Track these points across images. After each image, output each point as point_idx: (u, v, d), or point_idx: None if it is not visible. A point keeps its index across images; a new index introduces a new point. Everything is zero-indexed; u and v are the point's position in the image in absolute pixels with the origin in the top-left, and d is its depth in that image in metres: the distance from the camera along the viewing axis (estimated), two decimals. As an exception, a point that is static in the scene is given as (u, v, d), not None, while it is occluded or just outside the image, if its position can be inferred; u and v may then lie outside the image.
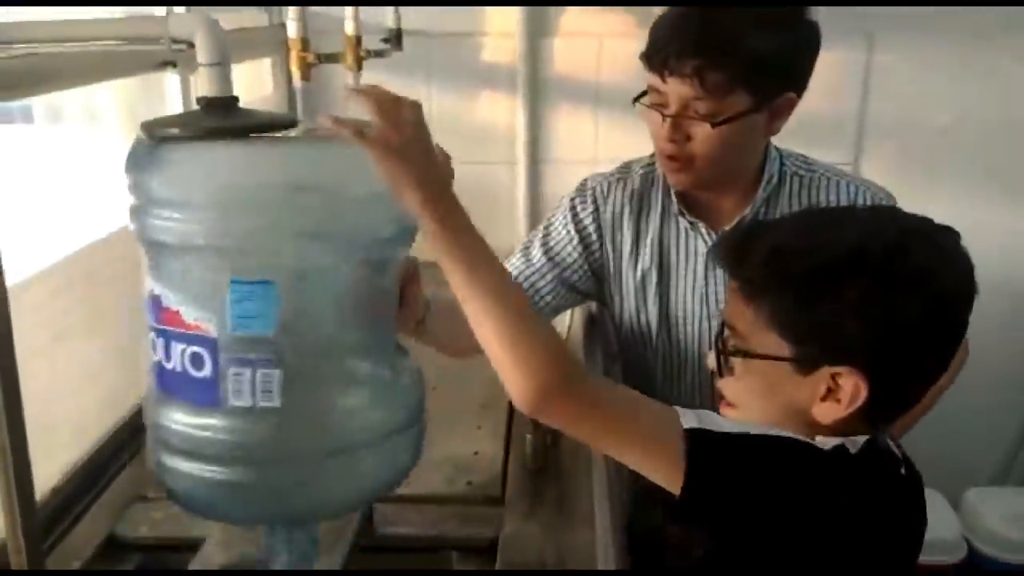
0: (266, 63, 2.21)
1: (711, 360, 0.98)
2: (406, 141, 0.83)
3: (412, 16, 2.14)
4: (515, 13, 2.37)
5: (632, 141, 2.50)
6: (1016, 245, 2.60)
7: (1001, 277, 2.60)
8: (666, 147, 1.27)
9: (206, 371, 0.96)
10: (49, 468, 1.34)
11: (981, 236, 2.37)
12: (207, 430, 0.98)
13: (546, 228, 1.49)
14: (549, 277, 1.44)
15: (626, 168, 1.48)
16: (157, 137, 0.89)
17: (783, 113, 1.26)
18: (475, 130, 2.46)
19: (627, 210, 1.42)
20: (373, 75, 2.10)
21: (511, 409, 1.66)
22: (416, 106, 0.86)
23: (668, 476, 0.84)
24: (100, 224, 1.56)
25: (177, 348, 0.98)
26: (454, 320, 0.94)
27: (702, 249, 1.39)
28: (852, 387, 0.87)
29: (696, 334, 1.42)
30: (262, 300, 0.93)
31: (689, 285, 1.40)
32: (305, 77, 1.41)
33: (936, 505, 2.60)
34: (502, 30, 2.41)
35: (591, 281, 1.46)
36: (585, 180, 1.48)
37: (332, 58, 1.62)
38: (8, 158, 1.64)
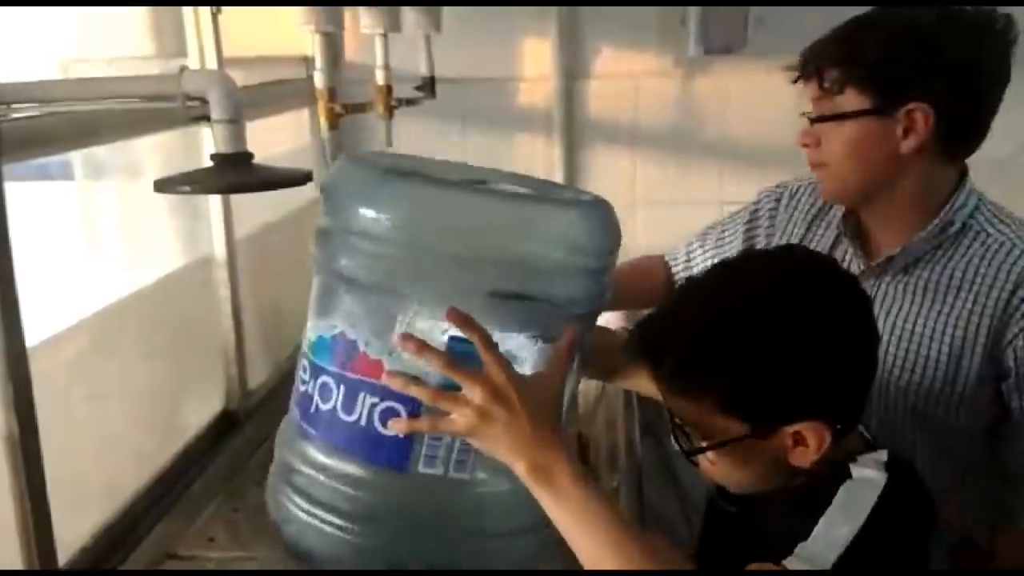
0: (304, 114, 2.23)
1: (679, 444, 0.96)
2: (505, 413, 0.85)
3: (446, 63, 2.15)
4: (549, 56, 2.37)
5: (670, 182, 2.50)
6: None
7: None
8: (806, 152, 1.25)
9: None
10: (79, 527, 1.33)
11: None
12: (363, 488, 0.94)
13: (730, 215, 1.54)
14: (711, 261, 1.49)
15: (796, 185, 1.46)
16: (396, 171, 0.89)
17: (915, 127, 1.14)
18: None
19: (801, 217, 1.38)
20: (409, 122, 2.12)
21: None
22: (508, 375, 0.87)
23: None
24: (135, 279, 1.56)
25: (366, 401, 0.92)
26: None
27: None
28: (814, 436, 0.88)
29: None
30: (475, 361, 0.86)
31: None
32: (333, 127, 1.41)
33: None
34: (537, 74, 2.41)
35: None
36: (789, 180, 1.47)
37: (360, 108, 1.62)
38: (46, 213, 1.67)
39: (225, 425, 1.77)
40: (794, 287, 0.90)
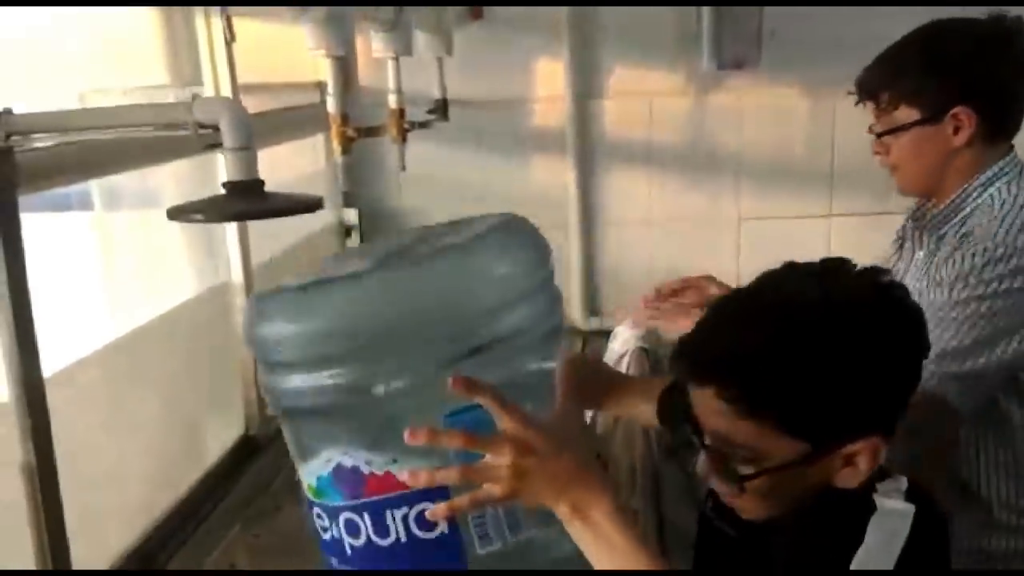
0: (319, 139, 2.25)
1: (707, 474, 0.91)
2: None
3: (459, 86, 2.16)
4: (561, 77, 2.38)
5: (687, 200, 2.49)
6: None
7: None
8: (878, 160, 1.45)
9: (442, 527, 0.89)
10: (99, 556, 1.33)
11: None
12: None
13: None
14: None
15: None
16: (289, 290, 0.88)
17: (962, 125, 1.35)
18: (527, 195, 2.44)
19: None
20: (423, 146, 2.13)
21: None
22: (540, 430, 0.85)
23: None
24: (154, 307, 1.57)
25: (396, 516, 0.89)
26: None
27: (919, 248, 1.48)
28: (869, 454, 0.87)
29: None
30: (483, 424, 0.83)
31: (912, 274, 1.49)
32: (347, 151, 1.41)
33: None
34: (549, 94, 2.41)
35: None
36: None
37: (373, 132, 1.63)
38: (66, 243, 1.69)
39: (245, 450, 1.78)
40: (848, 299, 0.88)
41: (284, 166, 2.06)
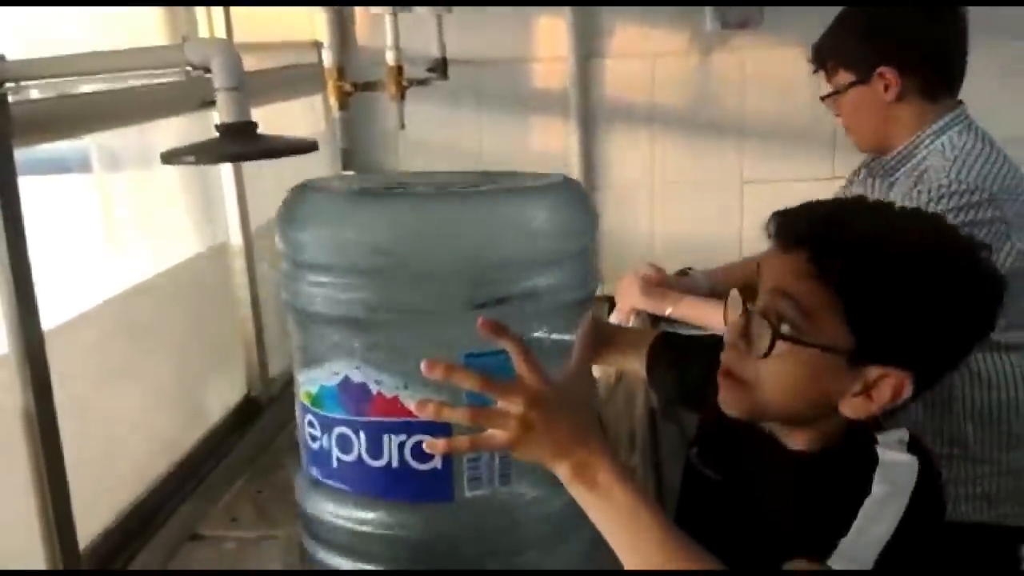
0: (318, 103, 2.23)
1: (734, 334, 0.91)
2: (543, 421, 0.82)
3: (459, 44, 2.14)
4: (564, 36, 2.35)
5: (690, 161, 2.47)
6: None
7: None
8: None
9: (436, 462, 0.89)
10: (103, 508, 1.34)
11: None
12: (411, 528, 0.90)
13: None
14: None
15: None
16: (351, 191, 0.87)
17: (891, 84, 1.52)
18: (528, 157, 2.43)
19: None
20: (422, 105, 2.11)
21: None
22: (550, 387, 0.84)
23: None
24: (152, 267, 1.57)
25: (393, 441, 0.88)
26: None
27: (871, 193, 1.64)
28: (893, 388, 0.86)
29: None
30: (498, 371, 0.82)
31: None
32: (343, 106, 1.41)
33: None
34: (551, 54, 2.39)
35: None
36: None
37: (370, 87, 1.61)
38: (65, 204, 1.68)
39: (247, 411, 1.78)
40: (955, 245, 0.91)
41: (282, 130, 2.05)
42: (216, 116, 0.86)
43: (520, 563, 0.97)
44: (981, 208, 1.40)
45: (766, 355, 0.88)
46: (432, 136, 2.25)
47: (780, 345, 0.87)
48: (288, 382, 1.91)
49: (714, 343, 1.00)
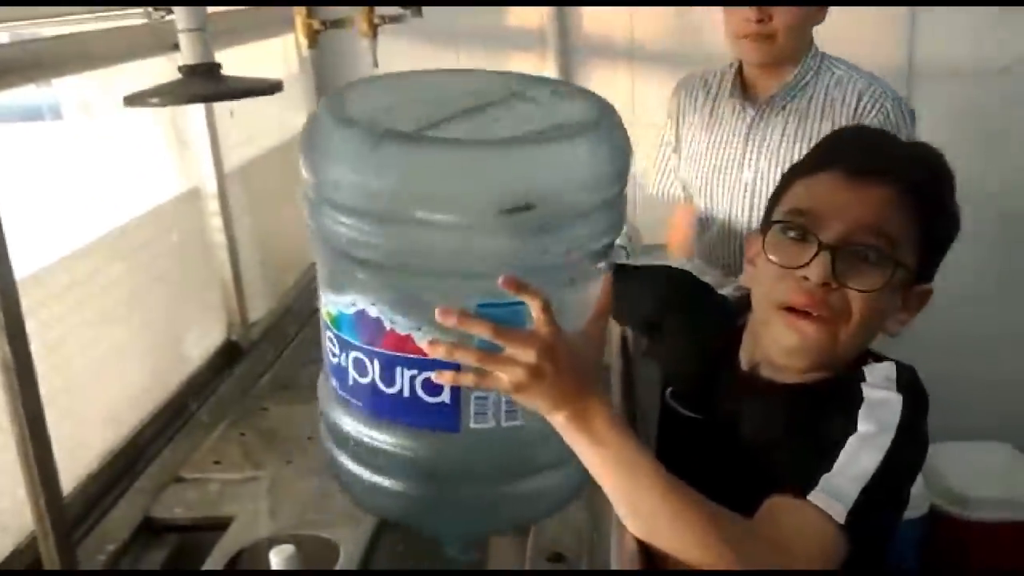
0: (290, 48, 2.19)
1: (821, 270, 0.92)
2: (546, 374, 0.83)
3: (434, -18, 2.10)
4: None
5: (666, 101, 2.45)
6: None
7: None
8: (752, 28, 1.68)
9: (444, 396, 0.90)
10: (86, 453, 1.35)
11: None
12: (417, 451, 0.94)
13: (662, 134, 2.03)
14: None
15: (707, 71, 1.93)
16: (386, 134, 0.82)
17: (824, 8, 1.72)
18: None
19: (699, 93, 1.89)
20: (395, 44, 2.08)
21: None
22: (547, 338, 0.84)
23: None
24: (127, 213, 1.56)
25: (405, 374, 0.90)
26: None
27: (741, 123, 1.81)
28: (920, 299, 0.97)
29: (728, 195, 1.84)
30: (511, 322, 0.84)
31: (730, 151, 1.83)
32: (313, 44, 1.38)
33: (1007, 459, 2.50)
34: (528, -9, 2.35)
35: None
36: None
37: (340, 23, 1.58)
38: (38, 154, 1.66)
39: (228, 355, 1.79)
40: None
41: (254, 72, 2.02)
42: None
43: (525, 486, 1.02)
44: None
45: (883, 287, 0.92)
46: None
47: (895, 273, 0.92)
48: (269, 328, 1.92)
49: (658, 272, 1.03)
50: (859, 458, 0.87)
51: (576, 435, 0.85)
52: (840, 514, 0.83)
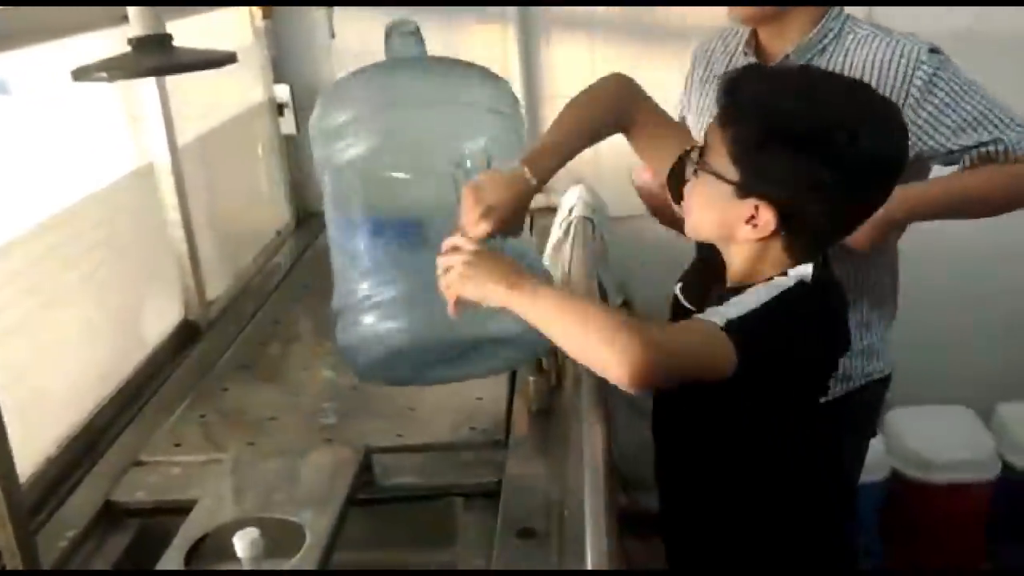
0: (244, 11, 2.13)
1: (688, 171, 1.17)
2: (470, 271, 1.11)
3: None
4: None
5: (632, 66, 2.39)
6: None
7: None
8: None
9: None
10: (44, 437, 1.32)
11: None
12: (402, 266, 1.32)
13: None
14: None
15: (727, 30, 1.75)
16: None
17: None
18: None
19: (717, 45, 1.71)
20: (353, 14, 2.03)
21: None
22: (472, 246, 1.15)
23: (726, 368, 1.04)
24: (78, 191, 1.51)
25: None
26: None
27: None
28: (766, 219, 1.09)
29: None
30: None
31: None
32: (267, 15, 1.35)
33: (967, 422, 2.54)
34: (489, -37, 2.31)
35: None
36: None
37: (294, -6, 1.54)
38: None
39: (186, 335, 1.76)
40: (863, 111, 1.09)
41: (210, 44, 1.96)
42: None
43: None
44: None
45: (687, 178, 1.16)
46: (366, 49, 2.16)
47: (697, 172, 1.14)
48: (228, 306, 1.88)
49: None
50: (742, 301, 1.08)
51: (513, 298, 1.08)
52: (720, 321, 1.04)
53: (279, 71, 2.22)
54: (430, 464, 1.31)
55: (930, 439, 2.46)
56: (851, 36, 1.53)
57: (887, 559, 2.49)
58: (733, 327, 1.03)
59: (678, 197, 1.21)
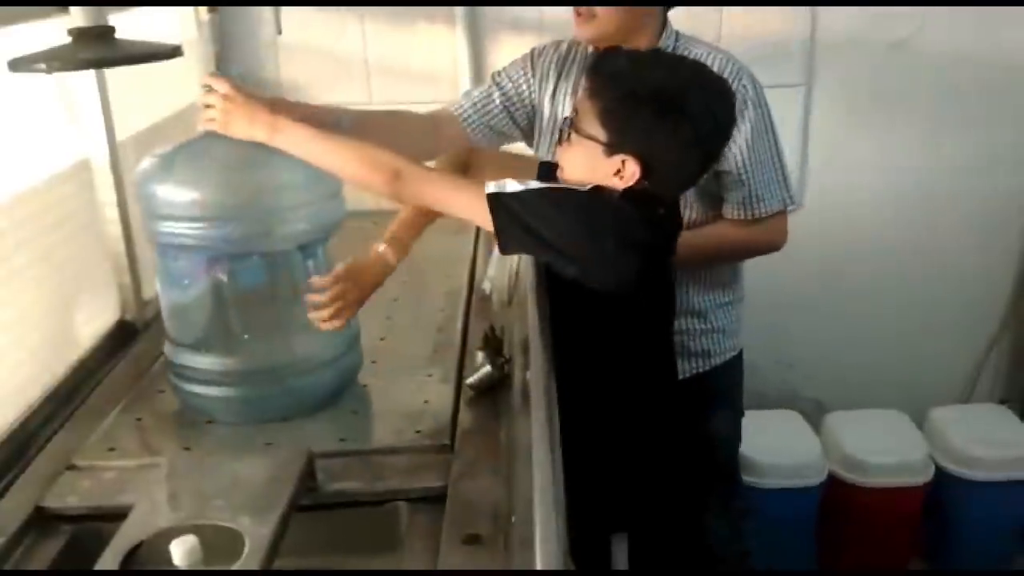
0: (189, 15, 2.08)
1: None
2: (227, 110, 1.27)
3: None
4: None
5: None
6: (973, 168, 2.56)
7: (967, 196, 2.58)
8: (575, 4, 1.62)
9: None
10: (-31, 443, 1.27)
11: (937, 158, 2.37)
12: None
13: (501, 71, 1.80)
14: (498, 103, 1.75)
15: (562, 40, 1.79)
16: None
17: None
18: (417, 70, 2.35)
19: (554, 64, 1.75)
20: (300, 12, 2.00)
21: (462, 352, 1.60)
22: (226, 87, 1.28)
23: (487, 225, 1.26)
24: (13, 180, 1.46)
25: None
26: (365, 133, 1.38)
27: None
28: (632, 171, 1.26)
29: None
30: None
31: None
32: (213, 9, 1.32)
33: (902, 426, 2.59)
34: (436, -41, 2.29)
35: (525, 117, 1.78)
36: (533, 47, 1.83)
37: (237, -9, 1.51)
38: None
39: (121, 336, 1.71)
40: (705, 81, 1.30)
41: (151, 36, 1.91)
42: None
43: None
44: None
45: (562, 143, 1.32)
46: (311, 45, 2.14)
47: (572, 136, 1.29)
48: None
49: None
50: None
51: (276, 137, 1.26)
52: (491, 188, 1.24)
53: (223, 66, 2.18)
54: (375, 469, 1.29)
55: (866, 442, 2.50)
56: (685, 53, 1.65)
57: (819, 562, 2.53)
58: (498, 198, 1.23)
59: None
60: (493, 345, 1.45)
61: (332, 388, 1.46)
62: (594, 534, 1.45)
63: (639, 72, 1.28)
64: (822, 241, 2.49)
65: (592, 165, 1.28)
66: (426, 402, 1.45)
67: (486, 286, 1.82)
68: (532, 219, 1.24)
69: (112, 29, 0.79)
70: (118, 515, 1.14)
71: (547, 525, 1.03)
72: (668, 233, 1.39)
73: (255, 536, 1.06)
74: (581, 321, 1.35)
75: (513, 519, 1.12)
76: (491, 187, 1.25)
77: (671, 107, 1.24)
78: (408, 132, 1.60)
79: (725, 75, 1.61)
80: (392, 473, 1.28)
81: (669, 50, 1.67)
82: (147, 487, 1.20)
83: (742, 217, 1.68)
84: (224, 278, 1.34)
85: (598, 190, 1.27)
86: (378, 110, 1.61)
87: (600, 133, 1.26)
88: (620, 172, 1.26)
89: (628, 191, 1.27)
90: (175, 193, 1.30)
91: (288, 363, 1.41)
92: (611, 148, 1.26)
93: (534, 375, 1.39)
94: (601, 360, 1.38)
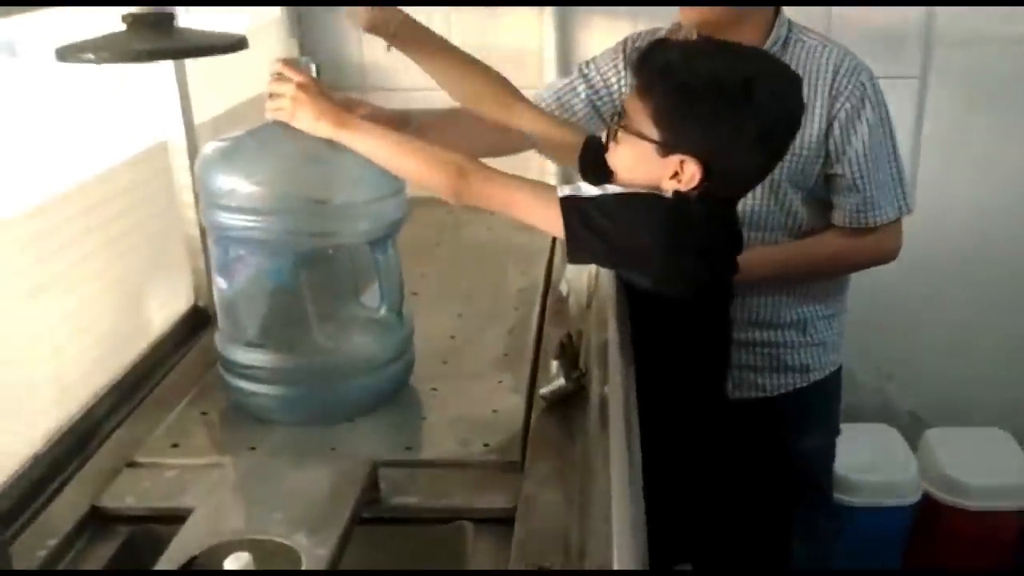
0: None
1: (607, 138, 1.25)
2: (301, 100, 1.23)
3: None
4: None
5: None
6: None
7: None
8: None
9: None
10: (32, 433, 1.25)
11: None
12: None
13: (589, 61, 1.74)
14: (582, 96, 1.70)
15: (660, 27, 1.72)
16: None
17: None
18: (502, 55, 2.25)
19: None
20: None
21: (536, 359, 1.52)
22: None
23: (555, 230, 1.19)
24: (84, 168, 1.43)
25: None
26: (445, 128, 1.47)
27: None
28: (691, 172, 1.16)
29: None
30: None
31: None
32: (294, -7, 1.27)
33: (1005, 446, 2.43)
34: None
35: (612, 113, 1.63)
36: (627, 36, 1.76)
37: (321, -33, 1.45)
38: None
39: (194, 322, 1.68)
40: (769, 68, 1.22)
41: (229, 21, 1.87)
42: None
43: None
44: None
45: (609, 145, 1.24)
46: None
47: (620, 136, 1.21)
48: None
49: None
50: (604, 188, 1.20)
51: (342, 133, 1.22)
52: (565, 191, 1.18)
53: (304, 48, 2.14)
54: (440, 483, 1.22)
55: (965, 462, 2.35)
56: (799, 45, 1.57)
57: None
58: (568, 198, 1.17)
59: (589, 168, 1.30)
60: (569, 355, 1.37)
61: (390, 389, 1.42)
62: (658, 564, 1.35)
63: (692, 63, 1.18)
64: (927, 243, 2.33)
65: (646, 168, 1.18)
66: (495, 412, 1.37)
67: (563, 288, 1.74)
68: (607, 225, 1.16)
69: (171, 16, 0.73)
70: (176, 518, 1.10)
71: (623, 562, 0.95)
72: (739, 237, 1.32)
73: (312, 556, 1.00)
74: (657, 332, 1.28)
75: (585, 552, 1.04)
76: (565, 190, 1.18)
77: (732, 100, 1.14)
78: (480, 130, 1.49)
79: (841, 71, 1.53)
80: (458, 489, 1.21)
81: (781, 40, 1.57)
82: (207, 491, 1.15)
83: (854, 225, 1.56)
84: (282, 273, 1.29)
85: (681, 197, 1.17)
86: (448, 108, 1.52)
87: (653, 132, 1.17)
88: (678, 175, 1.16)
89: (703, 195, 1.17)
90: (236, 183, 1.24)
91: (346, 362, 1.36)
92: (666, 148, 1.16)
93: (613, 392, 1.30)
94: (678, 372, 1.30)
